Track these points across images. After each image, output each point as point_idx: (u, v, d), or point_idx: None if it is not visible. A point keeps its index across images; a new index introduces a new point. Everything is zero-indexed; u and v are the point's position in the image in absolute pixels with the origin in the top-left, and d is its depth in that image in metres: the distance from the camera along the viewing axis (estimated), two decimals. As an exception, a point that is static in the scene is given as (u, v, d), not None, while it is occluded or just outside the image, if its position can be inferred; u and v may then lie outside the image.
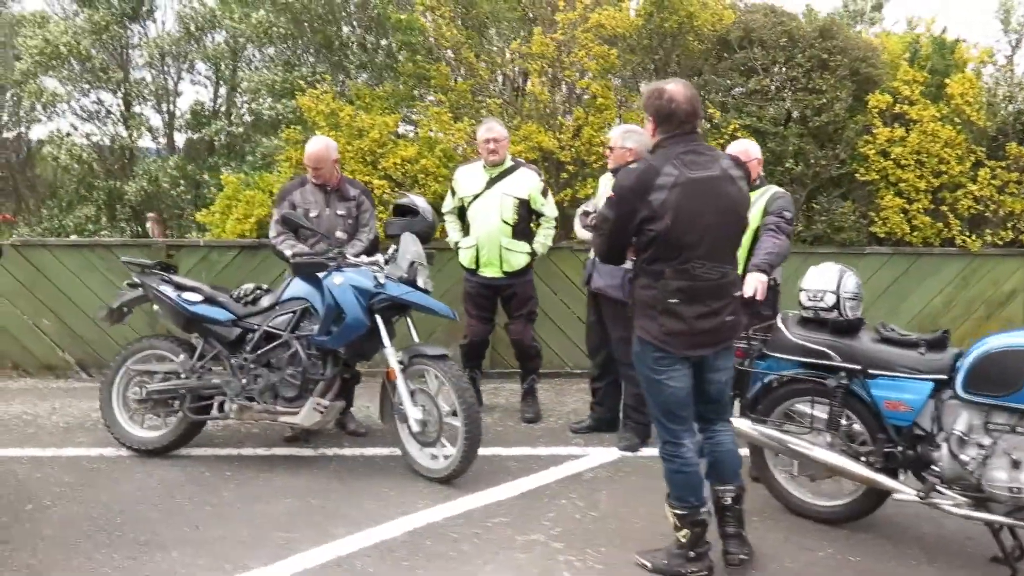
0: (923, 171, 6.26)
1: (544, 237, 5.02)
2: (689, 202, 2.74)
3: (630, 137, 4.52)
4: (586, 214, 4.66)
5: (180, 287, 4.30)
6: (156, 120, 9.09)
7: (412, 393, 4.00)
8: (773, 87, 6.09)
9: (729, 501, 3.03)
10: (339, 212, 4.56)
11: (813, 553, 3.32)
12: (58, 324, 6.10)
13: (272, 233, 4.56)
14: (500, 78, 6.40)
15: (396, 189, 6.01)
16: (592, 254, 4.62)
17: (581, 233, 4.71)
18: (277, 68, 7.39)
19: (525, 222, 4.94)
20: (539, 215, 4.99)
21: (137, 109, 8.99)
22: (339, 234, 4.38)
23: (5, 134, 8.75)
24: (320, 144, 4.50)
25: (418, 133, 6.31)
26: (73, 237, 7.59)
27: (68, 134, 8.23)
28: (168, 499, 3.77)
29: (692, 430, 2.97)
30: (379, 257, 4.22)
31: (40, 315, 6.08)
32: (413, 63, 6.42)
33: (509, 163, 4.94)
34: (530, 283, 5.07)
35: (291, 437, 4.60)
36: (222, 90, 9.05)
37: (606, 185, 4.66)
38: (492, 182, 4.90)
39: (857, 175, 6.30)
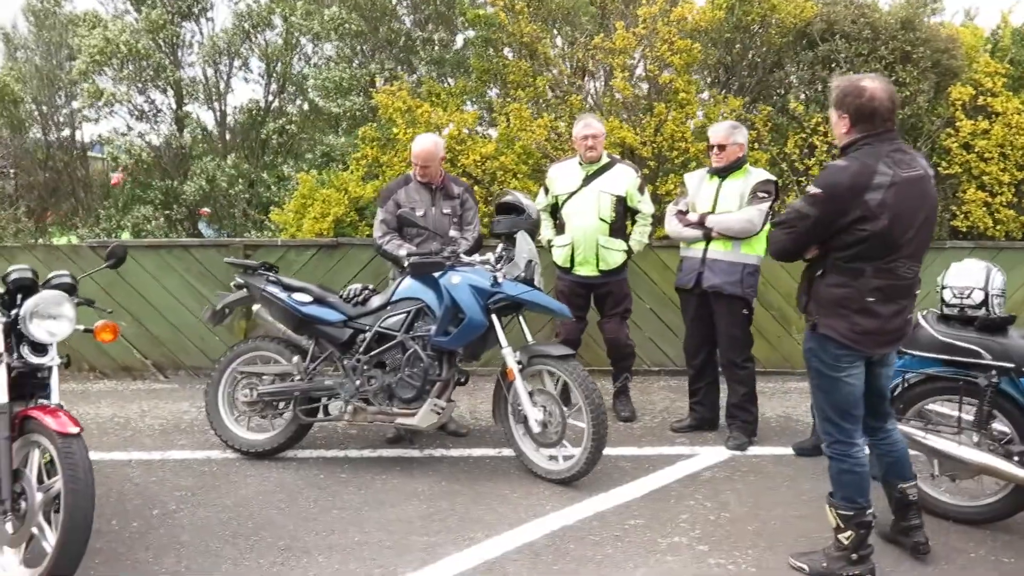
0: (1007, 164, 6.18)
1: (640, 235, 4.95)
2: (904, 202, 2.69)
3: (740, 133, 4.45)
4: (681, 213, 4.60)
5: (288, 288, 4.26)
6: (208, 118, 9.04)
7: (531, 394, 3.95)
8: (855, 80, 5.99)
9: (913, 497, 3.01)
10: (445, 211, 4.51)
11: (965, 554, 3.26)
12: (135, 326, 6.07)
13: (377, 233, 4.50)
14: (577, 74, 6.32)
15: (475, 187, 5.95)
16: (686, 252, 4.56)
17: (675, 231, 4.63)
18: (341, 65, 7.31)
19: (622, 219, 4.88)
20: (635, 212, 4.93)
21: (188, 108, 8.95)
22: (452, 233, 4.31)
23: (58, 134, 8.69)
24: (429, 141, 4.45)
25: (496, 130, 6.24)
26: (150, 238, 7.54)
27: (124, 134, 8.17)
28: (292, 503, 3.73)
29: (861, 430, 2.92)
30: (489, 256, 4.17)
31: (117, 317, 6.04)
32: (486, 59, 6.35)
33: (605, 159, 4.88)
34: (625, 281, 5.01)
35: (394, 438, 4.56)
36: (273, 86, 8.99)
37: (696, 183, 4.58)
38: (589, 179, 4.83)
39: (939, 169, 6.23)
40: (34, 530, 2.81)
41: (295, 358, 4.20)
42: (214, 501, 3.73)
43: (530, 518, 3.56)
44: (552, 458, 4.01)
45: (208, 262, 6.06)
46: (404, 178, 4.62)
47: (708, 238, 4.43)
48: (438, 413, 4.05)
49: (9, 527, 2.82)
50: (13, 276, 3.04)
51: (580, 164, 4.86)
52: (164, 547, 3.25)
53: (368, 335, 4.13)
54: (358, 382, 4.09)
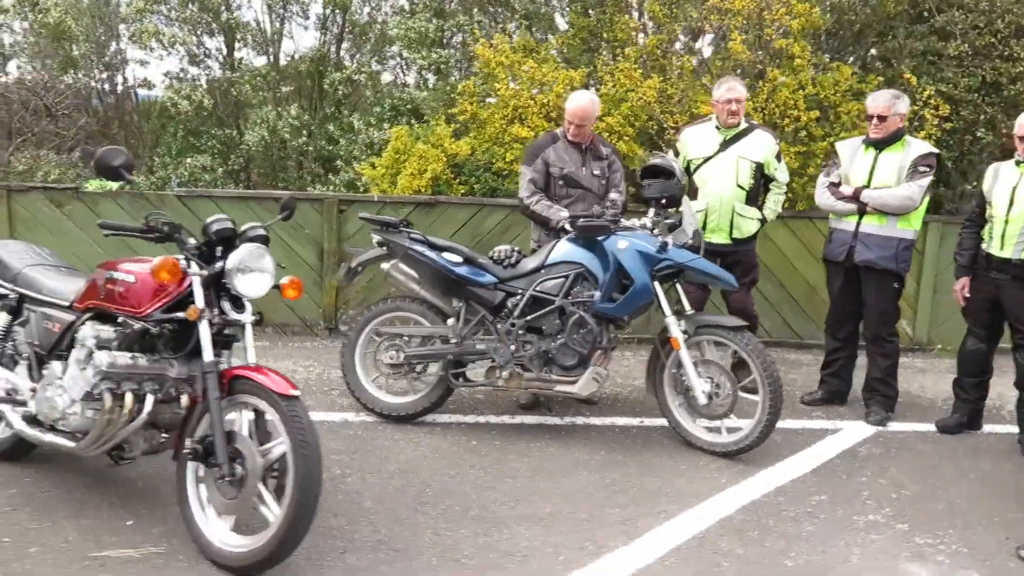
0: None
1: (775, 203, 4.80)
2: None
3: (902, 103, 4.31)
4: (834, 185, 4.47)
5: (436, 247, 4.07)
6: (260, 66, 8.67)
7: (695, 364, 3.84)
8: (970, 53, 5.87)
9: None
10: (595, 172, 4.33)
11: None
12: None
13: (524, 193, 4.31)
14: (688, 34, 6.11)
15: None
16: (837, 224, 4.45)
17: (826, 203, 4.50)
18: (426, 14, 7.00)
19: (758, 187, 4.73)
20: (769, 179, 4.79)
21: (239, 54, 8.58)
22: (613, 196, 4.13)
23: (108, 76, 8.27)
24: (587, 99, 4.24)
25: (599, 89, 6.03)
26: (236, 189, 7.22)
27: (179, 78, 7.79)
28: (459, 470, 3.60)
29: None
30: (646, 220, 4.02)
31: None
32: (589, 16, 6.11)
33: (744, 124, 4.72)
34: (753, 250, 4.88)
35: (528, 404, 4.43)
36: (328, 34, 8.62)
37: (850, 153, 4.45)
38: (726, 144, 4.66)
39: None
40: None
41: (450, 320, 4.03)
42: (377, 467, 3.59)
43: (711, 492, 3.47)
44: (712, 430, 3.92)
45: (301, 217, 5.81)
46: (551, 136, 4.42)
47: (862, 212, 4.31)
48: (598, 381, 3.93)
49: (227, 492, 2.66)
50: (215, 227, 2.82)
51: (717, 128, 4.69)
52: (352, 514, 3.11)
53: (523, 299, 3.97)
54: (513, 347, 3.94)
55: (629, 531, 3.08)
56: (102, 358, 2.74)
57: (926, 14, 5.99)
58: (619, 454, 3.86)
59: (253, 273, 2.81)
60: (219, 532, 2.72)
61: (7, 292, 3.32)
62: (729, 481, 3.59)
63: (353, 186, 7.59)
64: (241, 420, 2.75)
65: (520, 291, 4.00)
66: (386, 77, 7.95)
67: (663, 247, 3.81)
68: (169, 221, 2.84)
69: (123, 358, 2.78)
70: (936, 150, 4.37)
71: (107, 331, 2.85)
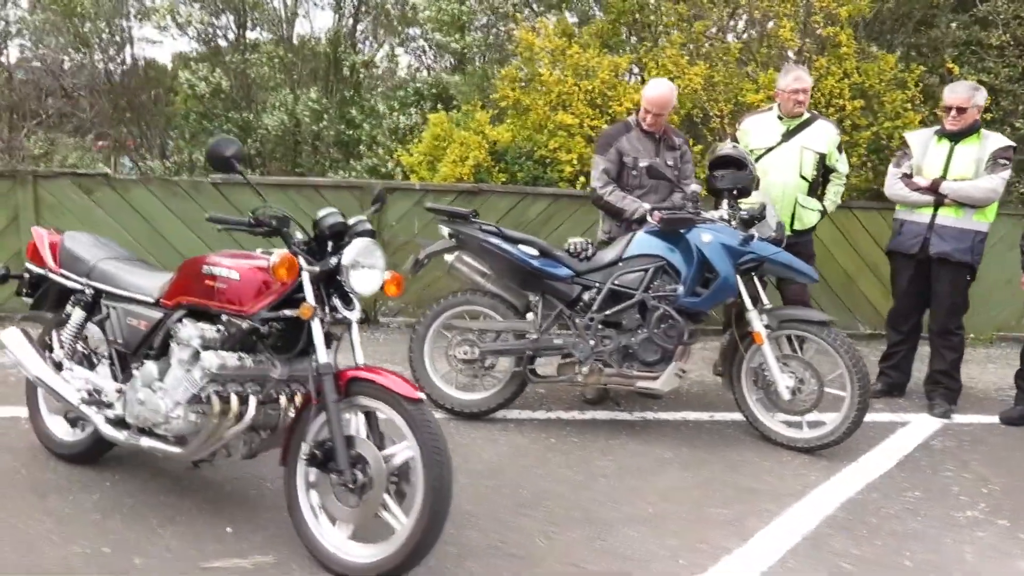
0: None
1: (835, 195, 4.76)
2: None
3: (980, 95, 4.28)
4: (906, 176, 4.44)
5: (510, 239, 3.96)
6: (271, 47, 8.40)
7: (779, 359, 3.79)
8: (1011, 42, 5.87)
9: None
10: (668, 162, 4.24)
11: None
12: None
13: (597, 183, 4.21)
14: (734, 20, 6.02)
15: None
16: (908, 216, 4.41)
17: (898, 195, 4.45)
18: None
19: (819, 178, 4.69)
20: (830, 171, 4.74)
21: (252, 35, 8.31)
22: (694, 187, 4.04)
23: (119, 56, 7.95)
24: (666, 88, 4.14)
25: (642, 77, 5.92)
26: (273, 178, 6.98)
27: (195, 59, 7.52)
28: (546, 468, 3.51)
29: None
30: (722, 212, 3.95)
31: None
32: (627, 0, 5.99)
33: (806, 114, 4.66)
34: (811, 241, 4.85)
35: (594, 399, 4.36)
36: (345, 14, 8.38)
37: (923, 145, 4.41)
38: (789, 134, 4.60)
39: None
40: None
41: (529, 315, 3.93)
42: (462, 467, 3.46)
43: (804, 489, 3.42)
44: (791, 425, 3.88)
45: (340, 205, 5.62)
46: (624, 125, 4.32)
47: (937, 204, 4.28)
48: (679, 376, 3.87)
49: (347, 499, 2.55)
50: (329, 222, 2.68)
51: (780, 118, 4.63)
52: (454, 517, 2.97)
53: (601, 293, 3.88)
54: (592, 342, 3.85)
55: (739, 531, 3.02)
56: (211, 359, 2.60)
57: (962, 6, 5.97)
58: (701, 451, 3.81)
59: (366, 269, 2.68)
60: (336, 540, 2.61)
61: (82, 287, 3.15)
62: (819, 478, 3.56)
63: (376, 171, 7.41)
64: (357, 423, 2.63)
65: (597, 284, 3.91)
66: (406, 60, 7.74)
67: (747, 240, 3.75)
68: (277, 215, 2.70)
69: (231, 359, 2.65)
70: (1013, 143, 4.35)
71: (211, 330, 2.71)
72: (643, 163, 4.13)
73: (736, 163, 4.11)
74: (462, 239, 4.01)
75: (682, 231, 3.79)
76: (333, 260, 2.64)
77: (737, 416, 4.15)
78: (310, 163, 7.82)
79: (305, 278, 2.63)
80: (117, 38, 7.52)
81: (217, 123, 7.74)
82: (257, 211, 2.70)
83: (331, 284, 2.69)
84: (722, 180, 4.04)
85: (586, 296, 3.92)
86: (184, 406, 2.70)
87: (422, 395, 2.54)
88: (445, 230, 4.06)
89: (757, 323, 3.79)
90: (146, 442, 2.82)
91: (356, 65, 7.63)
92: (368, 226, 2.80)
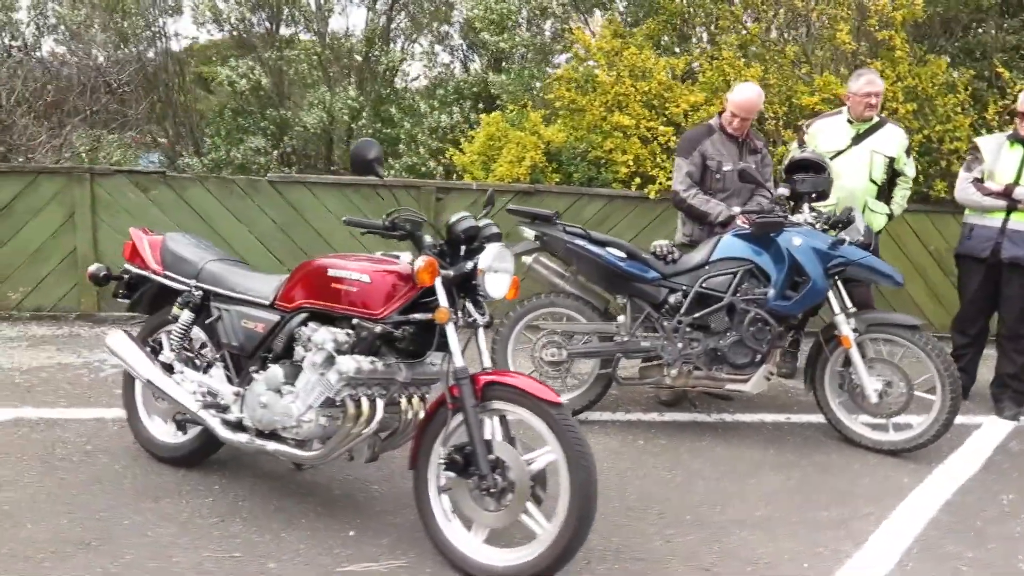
0: None
1: (902, 198, 4.81)
2: None
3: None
4: (978, 180, 4.47)
5: (596, 241, 3.96)
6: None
7: (867, 362, 3.82)
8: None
9: None
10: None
11: None
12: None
13: (680, 186, 4.22)
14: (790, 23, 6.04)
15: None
16: (979, 220, 4.45)
17: (971, 199, 4.47)
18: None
19: (888, 182, 4.73)
20: (896, 174, 4.78)
21: (284, 31, 8.25)
22: (782, 190, 4.07)
23: (156, 51, 7.87)
24: (755, 92, 4.16)
25: (697, 78, 5.93)
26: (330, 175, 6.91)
27: (234, 56, 7.45)
28: (644, 471, 3.52)
29: None
30: (807, 216, 3.97)
31: (295, 258, 5.58)
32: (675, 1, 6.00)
33: (875, 118, 4.69)
34: (877, 246, 4.87)
35: (669, 401, 4.38)
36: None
37: (994, 150, 4.44)
38: (859, 138, 4.64)
39: None
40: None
41: (620, 317, 3.94)
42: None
43: (901, 492, 3.45)
44: (877, 427, 3.91)
45: (393, 203, 5.62)
46: (707, 128, 4.32)
47: (1010, 208, 4.32)
48: (768, 379, 3.89)
49: (487, 503, 2.54)
50: (464, 226, 2.67)
51: (850, 122, 4.66)
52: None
53: (688, 296, 3.89)
54: (680, 344, 3.86)
55: (850, 535, 3.04)
56: (348, 363, 2.59)
57: (1010, 9, 6.03)
58: (788, 453, 3.83)
59: (499, 273, 2.68)
60: (471, 544, 2.61)
61: (190, 289, 3.13)
62: (911, 481, 3.59)
63: (414, 170, 7.38)
64: (493, 427, 2.63)
65: (684, 287, 3.92)
66: (444, 58, 7.72)
67: (836, 244, 3.77)
68: (411, 218, 2.69)
69: (366, 363, 2.64)
70: (1088, 149, 4.39)
71: (341, 334, 2.69)
72: (727, 167, 4.16)
73: (814, 167, 4.14)
74: (547, 241, 4.01)
75: (772, 235, 3.81)
76: (468, 264, 2.64)
77: (813, 418, 4.20)
78: (344, 162, 7.77)
79: (438, 282, 2.62)
80: (149, 32, 7.46)
81: (252, 120, 7.68)
82: (391, 214, 2.69)
83: (461, 288, 2.69)
84: (802, 184, 4.06)
85: (672, 299, 3.93)
86: (315, 410, 2.69)
87: (562, 399, 2.54)
88: (529, 232, 4.06)
89: (845, 327, 3.81)
90: (272, 446, 2.80)
91: (392, 63, 7.60)
92: (496, 229, 2.79)
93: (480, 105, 7.16)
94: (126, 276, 3.35)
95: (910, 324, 3.78)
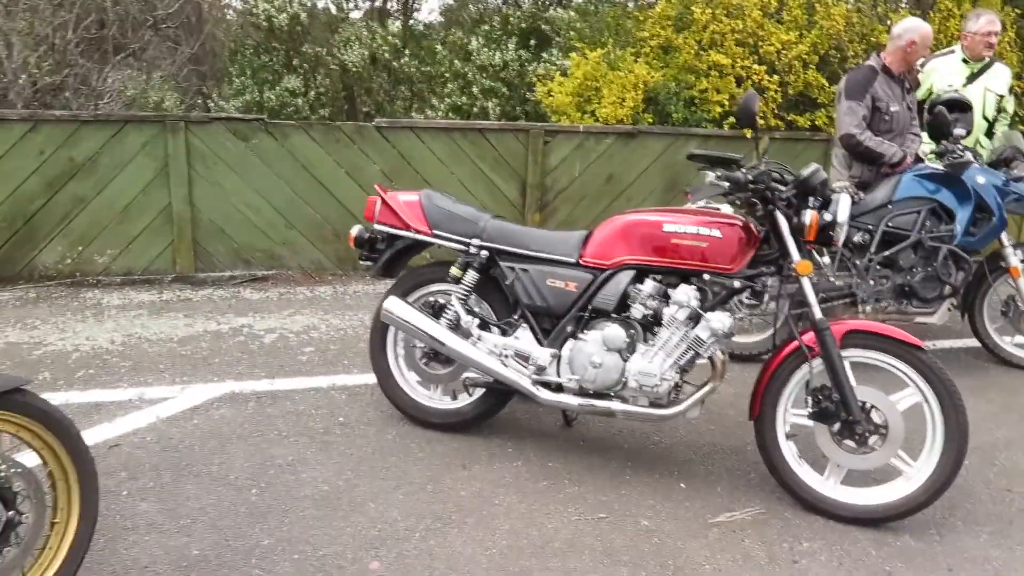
0: None
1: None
2: None
3: None
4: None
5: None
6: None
7: (1032, 292, 4.14)
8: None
9: None
10: (910, 106, 4.39)
11: None
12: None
13: (855, 129, 4.28)
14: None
15: (772, 76, 5.77)
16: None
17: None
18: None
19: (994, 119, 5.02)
20: (999, 111, 5.07)
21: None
22: (959, 131, 4.22)
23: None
24: (928, 27, 4.26)
25: (782, 18, 5.97)
26: (431, 119, 6.46)
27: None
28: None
29: None
30: (967, 154, 4.18)
31: (401, 208, 5.33)
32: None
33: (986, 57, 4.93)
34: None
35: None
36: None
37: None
38: (973, 76, 4.87)
39: None
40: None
41: (824, 259, 4.04)
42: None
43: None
44: (1026, 348, 4.28)
45: (504, 149, 5.46)
46: (871, 70, 4.39)
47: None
48: (951, 311, 4.14)
49: (851, 447, 2.63)
50: (818, 178, 2.67)
51: (965, 61, 4.88)
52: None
53: (873, 235, 4.05)
54: (871, 282, 4.04)
55: None
56: (723, 320, 2.60)
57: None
58: (968, 379, 4.12)
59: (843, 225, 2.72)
60: (826, 487, 2.70)
61: (474, 249, 2.98)
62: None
63: (459, 111, 7.11)
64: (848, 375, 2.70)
65: (869, 227, 4.07)
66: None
67: (1008, 181, 4.02)
68: (773, 170, 2.68)
69: (729, 319, 2.65)
70: None
71: (695, 292, 2.68)
72: (895, 107, 4.27)
73: (960, 106, 4.34)
74: (736, 184, 4.02)
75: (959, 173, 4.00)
76: (827, 216, 2.66)
77: (958, 343, 4.51)
78: (376, 102, 7.38)
79: (786, 232, 2.65)
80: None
81: (276, 58, 7.12)
82: (752, 168, 2.66)
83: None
84: (957, 124, 4.26)
85: (856, 238, 4.08)
86: (672, 368, 2.68)
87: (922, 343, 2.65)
88: (713, 176, 4.06)
89: (1013, 258, 4.11)
90: (617, 406, 2.77)
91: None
92: (824, 176, 2.80)
93: (532, 42, 6.94)
94: (379, 237, 3.15)
95: (1072, 255, 4.11)
